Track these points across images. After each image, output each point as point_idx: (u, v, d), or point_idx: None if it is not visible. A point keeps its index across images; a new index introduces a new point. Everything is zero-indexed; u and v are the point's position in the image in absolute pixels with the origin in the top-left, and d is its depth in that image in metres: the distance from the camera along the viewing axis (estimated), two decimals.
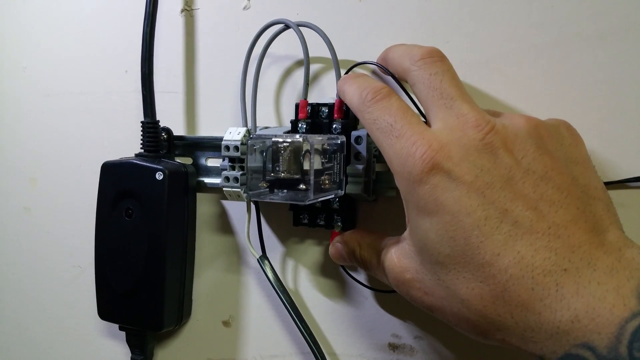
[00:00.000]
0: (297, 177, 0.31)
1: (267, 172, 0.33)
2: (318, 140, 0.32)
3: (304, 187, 0.31)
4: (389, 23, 0.36)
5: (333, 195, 0.33)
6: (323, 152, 0.32)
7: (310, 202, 0.31)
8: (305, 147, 0.31)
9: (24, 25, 0.48)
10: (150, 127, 0.39)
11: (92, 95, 0.46)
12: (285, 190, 0.32)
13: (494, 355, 0.34)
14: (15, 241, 0.50)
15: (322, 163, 0.32)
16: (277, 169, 0.32)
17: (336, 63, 0.35)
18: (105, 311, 0.41)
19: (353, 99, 0.30)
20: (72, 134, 0.47)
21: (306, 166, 0.31)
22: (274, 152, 0.32)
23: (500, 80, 0.33)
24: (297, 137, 0.31)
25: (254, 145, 0.33)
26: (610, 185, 0.31)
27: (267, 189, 0.33)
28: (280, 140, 0.32)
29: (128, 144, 0.44)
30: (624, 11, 0.31)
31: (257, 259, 0.38)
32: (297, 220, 0.37)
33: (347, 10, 0.37)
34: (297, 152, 0.31)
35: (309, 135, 0.32)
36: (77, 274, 0.47)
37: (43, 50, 0.48)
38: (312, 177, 0.31)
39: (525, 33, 0.33)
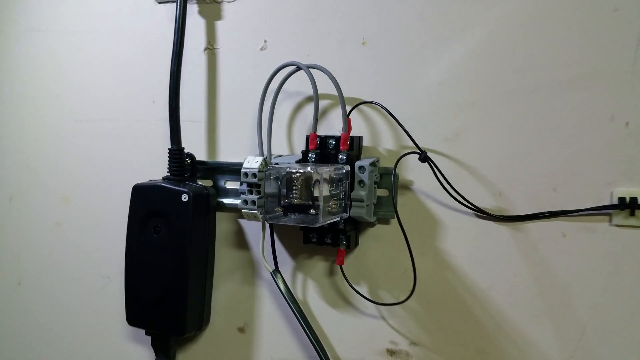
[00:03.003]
0: (308, 203, 0.36)
1: (282, 198, 0.37)
2: (326, 171, 0.36)
3: (314, 212, 0.35)
4: (389, 66, 0.40)
5: (339, 218, 0.37)
6: (331, 181, 0.37)
7: (319, 225, 0.36)
8: (315, 177, 0.36)
9: (58, 57, 0.53)
10: (176, 154, 0.44)
11: (122, 122, 0.50)
12: (297, 214, 0.37)
13: None
14: (48, 254, 0.54)
15: (330, 191, 0.36)
16: (291, 195, 0.36)
17: (342, 100, 0.39)
18: (133, 317, 0.45)
19: None
20: (102, 157, 0.51)
21: (316, 193, 0.35)
22: (287, 180, 0.37)
23: (485, 118, 0.38)
24: (309, 169, 0.36)
25: (271, 175, 0.38)
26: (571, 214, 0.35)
27: (282, 213, 0.37)
28: (294, 170, 0.36)
29: (154, 167, 0.49)
30: (593, 60, 0.35)
31: (270, 272, 0.43)
32: (306, 239, 0.41)
33: (352, 53, 0.41)
34: (308, 181, 0.36)
35: (318, 167, 0.36)
36: (105, 284, 0.51)
37: (76, 82, 0.52)
38: (321, 204, 0.35)
39: (508, 78, 0.37)
